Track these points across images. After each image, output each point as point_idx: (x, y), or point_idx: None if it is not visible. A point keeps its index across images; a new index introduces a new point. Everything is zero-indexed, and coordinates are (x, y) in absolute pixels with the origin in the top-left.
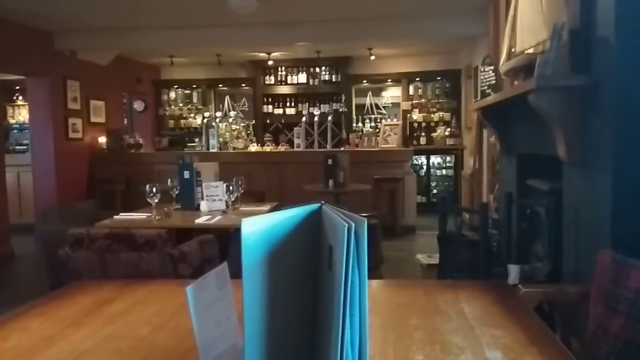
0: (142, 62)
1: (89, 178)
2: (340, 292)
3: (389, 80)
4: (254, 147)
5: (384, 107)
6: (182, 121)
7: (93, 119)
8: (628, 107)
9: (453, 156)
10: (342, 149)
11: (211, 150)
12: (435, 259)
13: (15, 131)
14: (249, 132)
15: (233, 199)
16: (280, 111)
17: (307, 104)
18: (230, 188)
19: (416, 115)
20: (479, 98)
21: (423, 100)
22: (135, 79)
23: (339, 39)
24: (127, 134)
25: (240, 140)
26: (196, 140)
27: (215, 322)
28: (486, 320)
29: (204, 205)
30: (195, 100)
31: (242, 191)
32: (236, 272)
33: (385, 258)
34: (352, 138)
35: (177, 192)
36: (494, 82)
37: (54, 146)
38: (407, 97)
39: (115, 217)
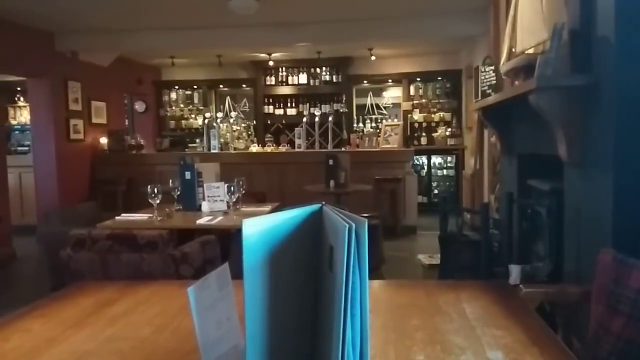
0: (143, 63)
1: (90, 179)
2: (341, 293)
3: (390, 80)
4: (255, 148)
5: (384, 107)
6: (183, 122)
7: (94, 120)
8: (628, 106)
9: (454, 156)
10: (343, 149)
11: (212, 151)
12: (436, 259)
13: (17, 132)
14: (249, 132)
15: (234, 200)
16: (281, 112)
17: (307, 104)
18: (232, 189)
19: (417, 116)
20: (479, 98)
21: (424, 100)
22: (136, 79)
23: (340, 40)
24: (128, 135)
25: (241, 140)
26: (197, 141)
27: (216, 323)
28: (487, 320)
29: (205, 206)
30: (196, 101)
31: (243, 192)
32: (238, 273)
33: (386, 258)
34: (353, 138)
35: (178, 193)
36: (494, 82)
37: (55, 147)
38: (408, 97)
39: (116, 218)
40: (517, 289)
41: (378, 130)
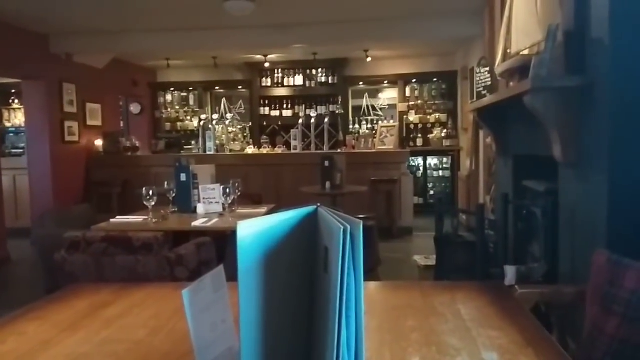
0: (138, 64)
1: (85, 181)
2: (336, 294)
3: (386, 81)
4: (250, 150)
5: (380, 108)
6: (179, 124)
7: (89, 122)
8: (623, 107)
9: (450, 157)
10: (338, 150)
11: (208, 153)
12: (432, 261)
13: (12, 134)
14: (245, 134)
15: (230, 202)
16: (276, 113)
17: (303, 106)
18: (227, 190)
19: (413, 117)
20: (475, 99)
21: (419, 101)
22: (131, 81)
23: (336, 41)
24: (123, 137)
25: (237, 142)
26: (193, 142)
27: (211, 325)
28: (483, 321)
29: (200, 208)
30: (191, 102)
31: (239, 193)
32: (233, 275)
33: (382, 259)
34: (348, 140)
35: (173, 194)
36: (489, 83)
37: (50, 149)
38: (404, 98)
39: (111, 220)
40: (513, 290)
41: (374, 132)
